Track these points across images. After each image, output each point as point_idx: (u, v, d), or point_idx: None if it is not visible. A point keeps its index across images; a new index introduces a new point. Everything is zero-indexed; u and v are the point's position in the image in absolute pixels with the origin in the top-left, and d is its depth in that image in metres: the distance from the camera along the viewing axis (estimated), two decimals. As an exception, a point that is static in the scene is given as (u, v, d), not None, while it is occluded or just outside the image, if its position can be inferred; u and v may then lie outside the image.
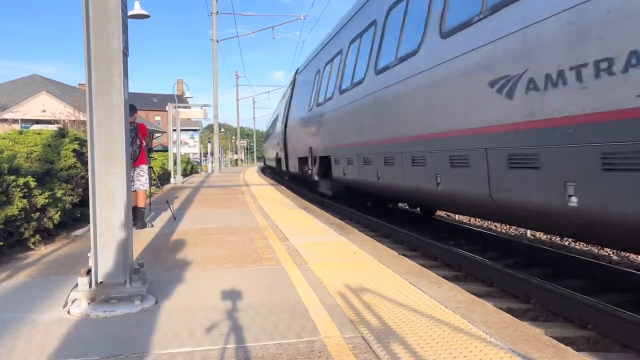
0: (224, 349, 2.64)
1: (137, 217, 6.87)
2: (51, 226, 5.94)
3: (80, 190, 6.99)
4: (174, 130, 20.62)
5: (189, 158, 29.23)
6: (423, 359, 2.46)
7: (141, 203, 7.10)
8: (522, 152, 4.44)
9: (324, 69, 12.90)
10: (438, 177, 6.03)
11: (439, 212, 11.60)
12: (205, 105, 22.46)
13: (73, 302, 3.41)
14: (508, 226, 10.00)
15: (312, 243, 5.65)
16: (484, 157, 4.99)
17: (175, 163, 19.44)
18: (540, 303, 4.85)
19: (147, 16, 15.33)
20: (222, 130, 75.47)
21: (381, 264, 4.54)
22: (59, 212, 6.09)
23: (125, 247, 3.41)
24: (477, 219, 10.95)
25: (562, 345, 2.65)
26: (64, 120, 20.55)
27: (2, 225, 4.84)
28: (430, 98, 6.11)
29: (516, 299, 5.15)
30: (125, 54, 3.44)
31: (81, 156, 7.17)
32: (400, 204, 11.94)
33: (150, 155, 8.08)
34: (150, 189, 7.80)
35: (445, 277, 4.72)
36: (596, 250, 7.69)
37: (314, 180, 13.36)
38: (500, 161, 4.76)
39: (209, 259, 4.92)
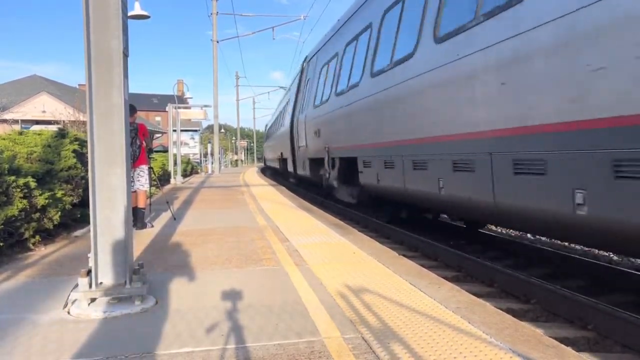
0: (224, 349, 2.64)
1: (137, 217, 6.87)
2: (51, 227, 5.94)
3: (80, 190, 6.98)
4: (174, 130, 20.64)
5: (189, 159, 29.27)
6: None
7: (141, 203, 7.10)
8: None
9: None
10: None
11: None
12: (205, 106, 22.48)
13: (73, 302, 3.41)
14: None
15: (312, 243, 5.65)
16: None
17: (175, 163, 19.44)
18: (540, 303, 4.85)
19: (147, 16, 15.33)
20: (222, 130, 75.32)
21: (381, 265, 4.54)
22: (59, 213, 6.09)
23: (125, 247, 3.41)
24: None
25: (563, 346, 2.66)
26: (64, 121, 20.56)
27: (2, 226, 4.83)
28: None
29: (516, 299, 5.15)
30: (126, 55, 3.44)
31: (81, 156, 7.17)
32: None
33: (150, 156, 8.08)
34: (150, 189, 7.80)
35: (446, 278, 4.72)
36: (596, 251, 7.68)
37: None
38: None
39: (209, 259, 4.92)
